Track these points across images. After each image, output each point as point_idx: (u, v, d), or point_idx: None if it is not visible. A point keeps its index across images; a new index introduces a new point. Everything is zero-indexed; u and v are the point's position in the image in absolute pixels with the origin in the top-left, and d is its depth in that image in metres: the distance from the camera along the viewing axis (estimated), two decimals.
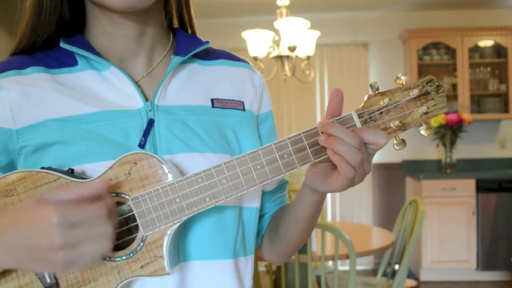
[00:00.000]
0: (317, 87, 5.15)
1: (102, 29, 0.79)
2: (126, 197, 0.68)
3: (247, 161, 0.69)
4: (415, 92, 0.69)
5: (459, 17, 5.07)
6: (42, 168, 0.69)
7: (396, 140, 0.70)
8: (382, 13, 5.10)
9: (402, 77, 0.69)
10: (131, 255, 0.68)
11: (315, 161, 0.70)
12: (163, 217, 0.68)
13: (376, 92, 0.70)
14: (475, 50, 4.89)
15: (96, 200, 0.64)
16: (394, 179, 5.16)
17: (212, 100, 0.82)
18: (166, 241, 0.68)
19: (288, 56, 3.43)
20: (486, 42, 4.87)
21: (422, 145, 5.05)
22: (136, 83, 0.78)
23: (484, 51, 4.91)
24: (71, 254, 0.59)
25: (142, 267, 0.68)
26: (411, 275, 4.62)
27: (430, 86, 0.69)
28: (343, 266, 4.68)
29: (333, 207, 5.17)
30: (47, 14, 0.78)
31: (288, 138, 0.69)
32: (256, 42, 3.43)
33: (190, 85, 0.82)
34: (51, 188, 0.68)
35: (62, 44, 0.76)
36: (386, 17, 5.11)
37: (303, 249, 2.38)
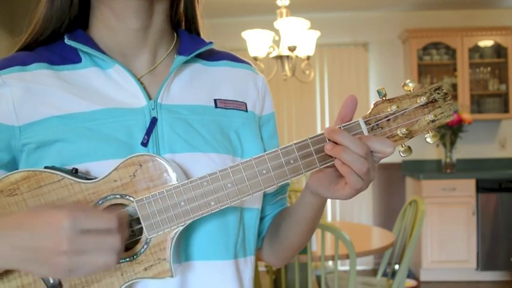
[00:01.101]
0: (317, 87, 5.14)
1: (105, 23, 0.79)
2: (131, 199, 0.68)
3: (253, 165, 0.69)
4: (422, 100, 0.68)
5: (459, 17, 5.07)
6: (46, 167, 0.68)
7: (402, 147, 0.70)
8: (382, 13, 5.10)
9: (410, 84, 0.68)
10: (135, 257, 0.68)
11: (321, 167, 0.70)
12: (168, 220, 0.68)
13: (384, 98, 0.69)
14: (475, 50, 4.89)
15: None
16: (394, 179, 5.16)
17: (215, 100, 0.82)
18: (170, 244, 0.68)
19: (288, 56, 3.43)
20: (486, 42, 4.87)
21: (422, 145, 5.05)
22: (139, 80, 0.78)
23: (484, 51, 4.91)
24: (75, 260, 0.58)
25: (146, 269, 0.68)
26: (411, 275, 4.62)
27: (438, 93, 0.69)
28: (343, 266, 4.68)
29: (333, 207, 5.17)
30: (58, 7, 0.78)
31: (295, 144, 0.69)
32: (256, 42, 3.42)
33: (193, 85, 0.82)
34: (55, 188, 0.67)
35: (66, 41, 0.75)
36: (386, 17, 5.11)
37: (303, 249, 2.38)
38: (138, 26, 0.79)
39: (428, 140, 0.69)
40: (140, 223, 0.68)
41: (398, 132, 0.69)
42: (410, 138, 0.70)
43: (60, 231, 0.58)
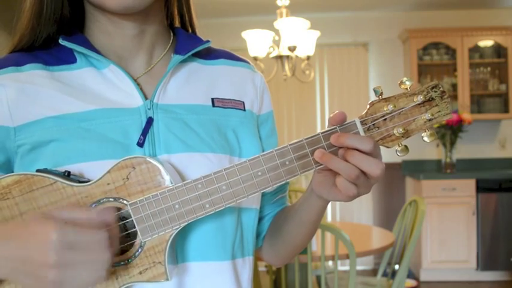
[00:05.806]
0: (317, 87, 5.14)
1: (100, 28, 0.79)
2: (125, 202, 0.68)
3: (248, 167, 0.68)
4: (419, 98, 0.67)
5: (459, 17, 5.06)
6: (38, 170, 0.68)
7: (399, 146, 0.69)
8: (382, 13, 5.09)
9: (407, 82, 0.67)
10: (130, 260, 0.68)
11: (317, 168, 0.69)
12: (162, 223, 0.67)
13: (380, 97, 0.68)
14: (475, 50, 4.88)
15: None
16: (394, 179, 5.15)
17: (212, 99, 0.81)
18: (165, 247, 0.68)
19: (288, 56, 3.43)
20: (486, 42, 4.86)
21: (422, 145, 5.04)
22: (135, 81, 0.77)
23: (484, 51, 4.91)
24: (62, 274, 0.57)
25: (141, 272, 0.68)
26: (411, 275, 4.62)
27: (435, 91, 0.68)
28: (343, 266, 4.68)
29: (333, 207, 5.17)
30: (48, 14, 0.77)
31: (290, 145, 0.68)
32: (256, 42, 3.42)
33: (190, 84, 0.81)
34: (47, 192, 0.67)
35: (60, 41, 0.75)
36: (386, 17, 5.10)
37: (303, 249, 2.37)
38: (134, 32, 0.79)
39: (426, 139, 0.68)
40: (135, 226, 0.68)
41: (395, 131, 0.68)
42: (407, 137, 0.69)
43: (48, 244, 0.57)
